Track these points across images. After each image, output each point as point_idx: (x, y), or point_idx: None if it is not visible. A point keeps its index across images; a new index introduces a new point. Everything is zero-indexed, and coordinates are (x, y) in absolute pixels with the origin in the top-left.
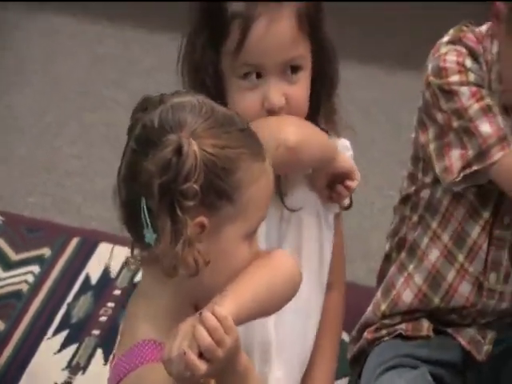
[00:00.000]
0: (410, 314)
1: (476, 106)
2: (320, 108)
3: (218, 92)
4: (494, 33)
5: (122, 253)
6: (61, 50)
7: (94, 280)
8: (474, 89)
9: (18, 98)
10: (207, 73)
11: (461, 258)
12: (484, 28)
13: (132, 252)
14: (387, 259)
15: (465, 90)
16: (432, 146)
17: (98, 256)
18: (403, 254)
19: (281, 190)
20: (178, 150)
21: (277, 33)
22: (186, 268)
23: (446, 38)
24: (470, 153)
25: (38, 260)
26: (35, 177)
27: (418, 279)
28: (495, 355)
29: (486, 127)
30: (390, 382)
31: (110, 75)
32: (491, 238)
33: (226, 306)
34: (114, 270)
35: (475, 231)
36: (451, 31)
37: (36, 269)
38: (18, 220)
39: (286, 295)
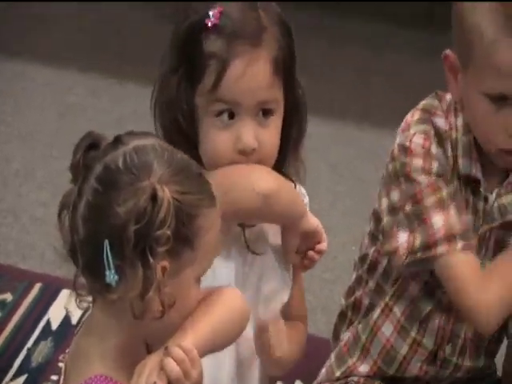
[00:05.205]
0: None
1: (432, 199)
2: (287, 155)
3: (190, 130)
4: (453, 93)
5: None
6: (30, 98)
7: (54, 326)
8: (432, 179)
9: None
10: (181, 109)
11: (413, 333)
12: (448, 98)
13: (75, 285)
14: (341, 317)
15: (423, 179)
16: (385, 220)
17: (59, 302)
18: (358, 325)
19: (245, 236)
20: (153, 197)
21: (252, 74)
22: (154, 311)
23: (416, 115)
24: (417, 241)
25: (0, 304)
26: (0, 221)
27: (373, 352)
28: None
29: (437, 220)
30: None
31: (79, 125)
32: (449, 311)
33: (188, 340)
34: (75, 316)
35: (429, 307)
36: (423, 104)
37: None
38: None
39: (237, 330)
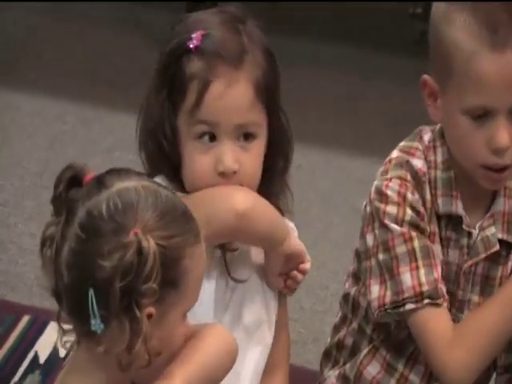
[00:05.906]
0: None
1: (403, 248)
2: (273, 184)
3: (173, 154)
4: (434, 117)
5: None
6: (20, 127)
7: (42, 359)
8: (404, 229)
9: None
10: (164, 133)
11: (401, 367)
12: (427, 137)
13: (59, 322)
14: (327, 356)
15: (396, 228)
16: (362, 266)
17: (47, 335)
18: (345, 365)
19: (226, 261)
20: (139, 251)
21: (232, 95)
22: (141, 361)
23: (395, 158)
24: (388, 297)
25: None
26: None
27: None
28: None
29: (406, 277)
30: None
31: (69, 154)
32: None
33: (176, 381)
34: (63, 349)
35: (415, 345)
36: (403, 145)
37: None
38: None
39: (226, 368)
